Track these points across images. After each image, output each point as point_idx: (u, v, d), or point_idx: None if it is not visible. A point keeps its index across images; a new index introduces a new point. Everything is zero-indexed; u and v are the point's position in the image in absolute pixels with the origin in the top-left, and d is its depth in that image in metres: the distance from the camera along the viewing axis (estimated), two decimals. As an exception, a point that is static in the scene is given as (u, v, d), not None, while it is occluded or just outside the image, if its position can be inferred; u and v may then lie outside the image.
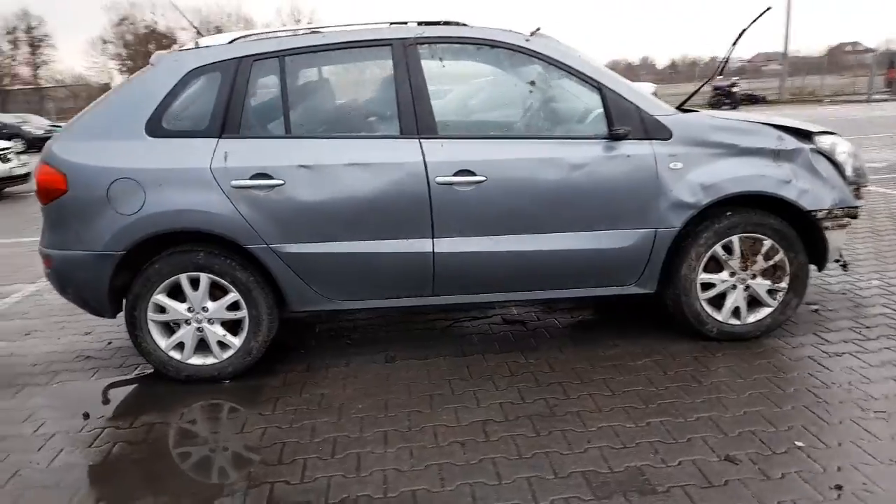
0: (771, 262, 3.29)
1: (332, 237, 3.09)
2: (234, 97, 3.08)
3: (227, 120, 3.07)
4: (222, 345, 3.21)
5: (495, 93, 3.38)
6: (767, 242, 3.25)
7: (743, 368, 3.07)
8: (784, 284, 3.31)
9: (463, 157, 3.07)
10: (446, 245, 3.13)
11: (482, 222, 3.12)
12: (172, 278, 3.10)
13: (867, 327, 3.45)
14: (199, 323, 3.17)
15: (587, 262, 3.22)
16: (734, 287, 3.32)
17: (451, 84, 3.26)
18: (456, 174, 3.05)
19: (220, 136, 3.06)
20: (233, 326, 3.22)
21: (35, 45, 47.27)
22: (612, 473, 2.33)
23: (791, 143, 3.23)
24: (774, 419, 2.60)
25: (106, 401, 3.12)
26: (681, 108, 3.85)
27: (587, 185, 3.11)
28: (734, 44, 3.80)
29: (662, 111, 3.18)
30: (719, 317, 3.34)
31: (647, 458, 2.39)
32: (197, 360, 3.22)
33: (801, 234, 3.28)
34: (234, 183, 3.01)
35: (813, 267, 3.40)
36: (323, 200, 3.05)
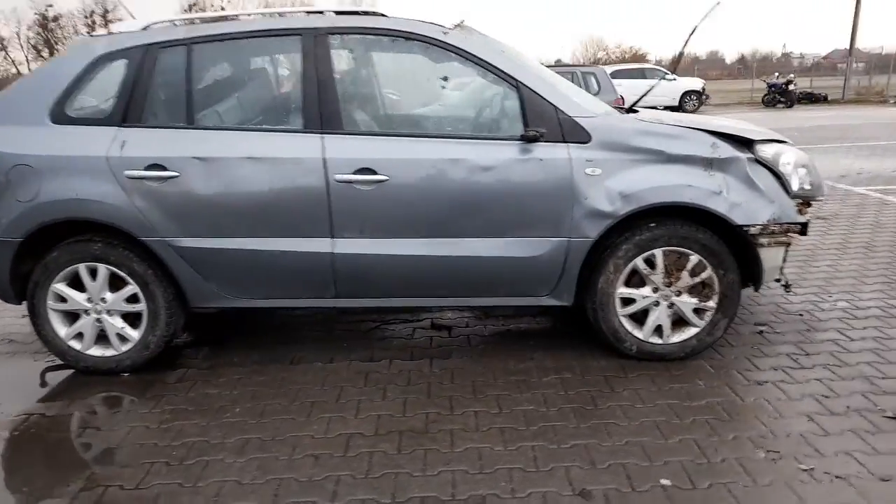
0: (698, 279, 3.04)
1: (228, 233, 3.01)
2: (139, 85, 3.01)
3: (130, 109, 3.01)
4: (122, 337, 3.17)
5: (407, 88, 3.21)
6: (694, 258, 3.00)
7: (650, 392, 2.84)
8: (712, 304, 3.06)
9: (365, 154, 2.93)
10: (347, 246, 3.00)
11: (385, 224, 2.98)
12: (71, 268, 3.07)
13: (807, 354, 3.15)
14: (99, 314, 3.14)
15: (496, 270, 3.04)
16: (657, 304, 3.08)
17: (362, 77, 3.10)
18: (356, 172, 2.91)
19: (120, 125, 3.00)
20: (135, 319, 3.17)
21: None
22: (452, 501, 2.17)
23: (726, 150, 2.97)
24: (654, 452, 2.39)
25: (0, 388, 3.12)
26: (631, 108, 3.63)
27: (496, 190, 2.93)
28: (686, 42, 3.55)
29: (582, 112, 2.96)
30: (640, 334, 3.11)
31: (496, 487, 2.23)
32: (96, 352, 3.19)
33: (738, 250, 3.02)
34: (129, 173, 2.95)
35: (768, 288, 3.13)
36: (218, 194, 2.96)
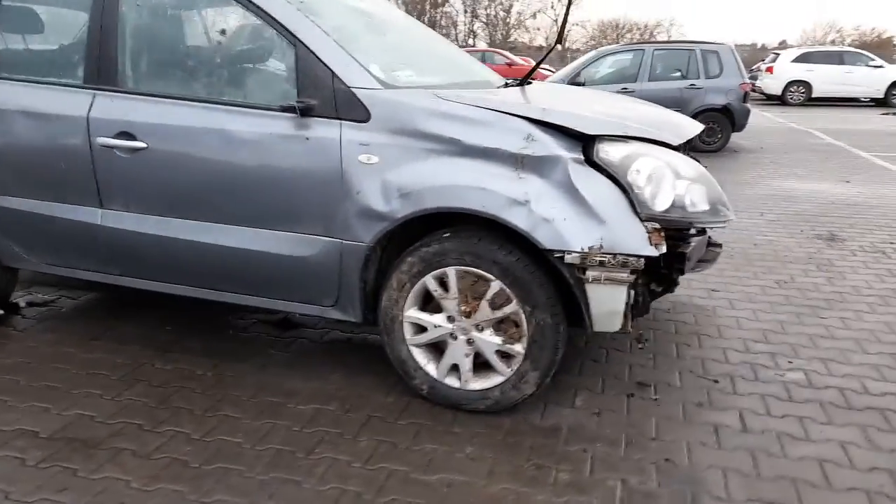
0: (500, 314, 2.30)
1: (10, 192, 2.83)
2: None
3: None
4: (-55, 288, 3.14)
5: (188, 40, 2.73)
6: (495, 284, 2.26)
7: (390, 450, 2.20)
8: (519, 348, 2.30)
9: (127, 116, 2.57)
10: (112, 219, 2.68)
11: (146, 198, 2.62)
12: None
13: (651, 439, 2.27)
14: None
15: (266, 268, 2.54)
16: (454, 337, 2.39)
17: (145, 27, 2.69)
18: (116, 136, 2.57)
19: None
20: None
21: None
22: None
23: (544, 147, 2.17)
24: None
25: None
26: (522, 82, 2.89)
27: (258, 171, 2.42)
28: (564, 19, 2.75)
29: (363, 83, 2.33)
30: (434, 372, 2.44)
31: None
32: (-71, 299, 3.20)
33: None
34: None
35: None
36: (1, 150, 2.77)
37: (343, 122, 2.32)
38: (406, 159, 2.27)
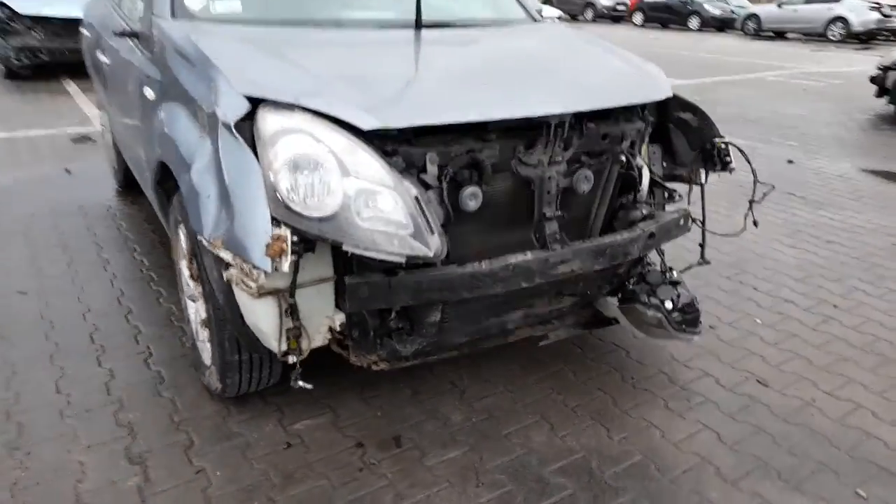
0: (200, 288, 2.03)
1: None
2: None
3: None
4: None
5: None
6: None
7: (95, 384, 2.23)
8: (207, 333, 2.02)
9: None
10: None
11: None
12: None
13: (268, 499, 1.75)
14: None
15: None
16: (194, 300, 2.22)
17: None
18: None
19: None
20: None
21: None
22: None
23: (211, 103, 1.75)
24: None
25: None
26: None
27: (128, 91, 2.58)
28: None
29: (159, 12, 2.21)
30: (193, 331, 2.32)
31: None
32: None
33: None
34: None
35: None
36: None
37: (144, 52, 2.26)
38: (163, 98, 2.10)
